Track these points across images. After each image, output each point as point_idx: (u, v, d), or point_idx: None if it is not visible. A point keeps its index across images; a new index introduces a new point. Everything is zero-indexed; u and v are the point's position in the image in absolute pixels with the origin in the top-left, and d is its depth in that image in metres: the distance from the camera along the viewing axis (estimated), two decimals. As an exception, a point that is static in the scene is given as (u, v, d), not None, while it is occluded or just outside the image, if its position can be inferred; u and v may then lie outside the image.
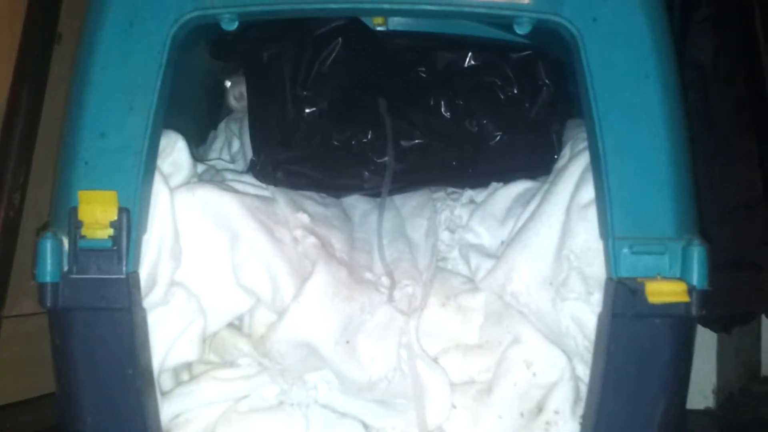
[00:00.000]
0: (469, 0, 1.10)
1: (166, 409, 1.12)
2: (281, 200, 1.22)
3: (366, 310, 1.14)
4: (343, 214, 1.29)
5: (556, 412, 1.13)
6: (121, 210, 1.05)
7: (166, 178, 1.12)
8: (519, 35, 1.13)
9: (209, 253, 1.15)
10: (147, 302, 1.09)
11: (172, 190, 1.12)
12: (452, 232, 1.27)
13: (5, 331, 1.38)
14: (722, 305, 1.46)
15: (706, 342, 1.72)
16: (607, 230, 1.06)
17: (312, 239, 1.18)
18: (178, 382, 1.17)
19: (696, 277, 1.04)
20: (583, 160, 1.17)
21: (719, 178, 1.56)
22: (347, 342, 1.11)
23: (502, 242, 1.23)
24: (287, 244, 1.17)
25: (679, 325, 1.07)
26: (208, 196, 1.15)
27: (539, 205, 1.19)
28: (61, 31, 1.46)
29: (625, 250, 1.05)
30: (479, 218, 1.26)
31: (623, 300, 1.05)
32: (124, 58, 1.08)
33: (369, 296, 1.15)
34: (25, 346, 1.52)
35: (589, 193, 1.13)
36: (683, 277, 1.04)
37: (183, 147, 1.16)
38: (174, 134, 1.16)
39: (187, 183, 1.17)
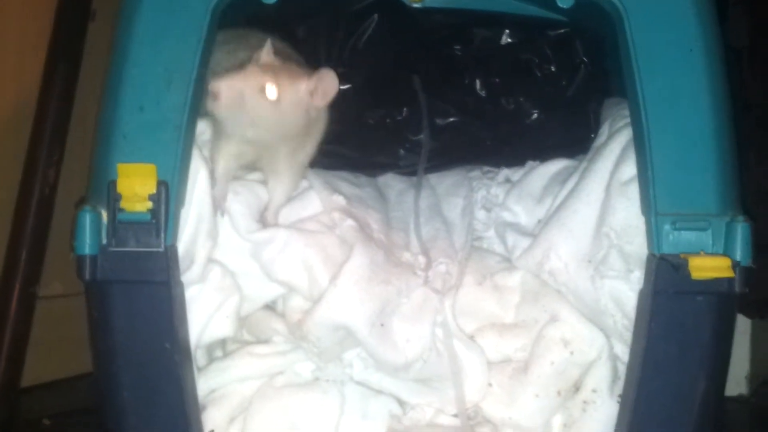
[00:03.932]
0: (511, -27, 1.09)
1: (202, 385, 1.12)
2: (317, 183, 1.21)
3: (402, 294, 1.13)
4: (378, 194, 1.29)
5: (594, 391, 1.12)
6: (160, 183, 1.04)
7: (206, 159, 1.12)
8: (559, 10, 1.12)
9: (243, 245, 1.15)
10: (184, 278, 1.08)
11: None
12: (488, 210, 1.26)
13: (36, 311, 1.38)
14: (757, 290, 1.45)
15: (739, 328, 1.70)
16: (649, 206, 1.05)
17: (350, 221, 1.17)
18: (213, 359, 1.17)
19: (740, 253, 1.03)
20: (623, 137, 1.16)
21: (754, 161, 1.55)
22: (382, 325, 1.11)
23: (539, 221, 1.22)
24: (320, 230, 1.16)
25: (721, 303, 1.05)
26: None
27: (578, 183, 1.18)
28: (95, 8, 1.45)
29: (668, 227, 1.04)
30: (516, 197, 1.25)
31: (665, 276, 1.04)
32: (163, 32, 1.07)
33: (406, 279, 1.14)
34: (55, 327, 1.53)
35: (629, 170, 1.12)
36: (727, 254, 1.03)
37: None
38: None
39: None
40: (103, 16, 1.47)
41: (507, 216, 1.24)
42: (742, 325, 1.70)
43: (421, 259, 1.18)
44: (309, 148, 1.19)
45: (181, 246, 1.08)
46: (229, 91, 1.04)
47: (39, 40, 1.40)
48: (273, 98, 1.07)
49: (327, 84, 1.10)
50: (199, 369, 1.14)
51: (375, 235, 1.19)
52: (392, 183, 1.32)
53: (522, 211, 1.24)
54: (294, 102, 1.09)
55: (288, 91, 1.08)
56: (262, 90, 1.06)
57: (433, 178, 1.31)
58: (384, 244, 1.18)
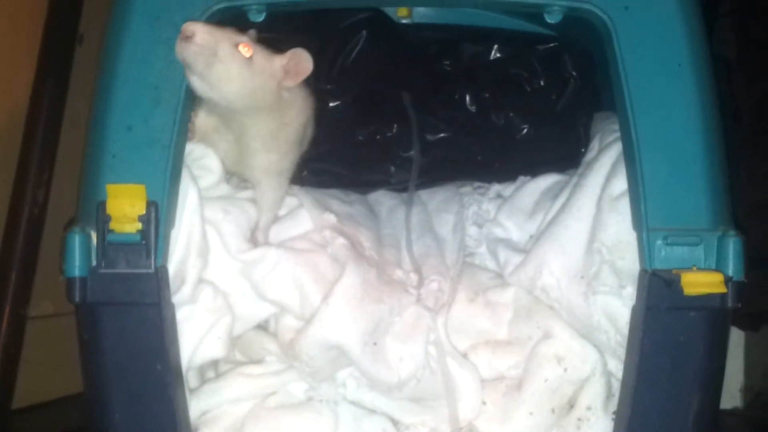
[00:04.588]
0: (499, -11, 1.09)
1: (194, 406, 1.11)
2: (307, 201, 1.20)
3: (394, 312, 1.13)
4: (369, 212, 1.28)
5: (588, 408, 1.12)
6: (150, 204, 1.04)
7: (195, 179, 1.11)
8: (548, 25, 1.12)
9: (234, 265, 1.14)
10: (175, 299, 1.08)
11: (200, 191, 1.11)
12: (480, 226, 1.26)
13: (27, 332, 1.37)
14: (750, 302, 1.44)
15: (733, 341, 1.69)
16: (641, 222, 1.05)
17: (341, 240, 1.16)
18: (205, 380, 1.16)
19: (732, 268, 1.03)
20: (614, 152, 1.16)
21: (745, 174, 1.54)
22: (375, 344, 1.10)
23: (531, 236, 1.21)
24: (311, 249, 1.15)
25: (714, 318, 1.05)
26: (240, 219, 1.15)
27: (569, 198, 1.18)
28: (82, 32, 1.45)
29: (660, 242, 1.04)
30: (507, 212, 1.25)
31: (658, 292, 1.03)
32: (151, 51, 1.06)
33: (398, 297, 1.14)
34: (46, 347, 1.52)
35: (620, 185, 1.12)
36: (719, 269, 1.03)
37: (213, 153, 1.15)
38: None
39: (216, 186, 1.16)
40: (90, 40, 1.47)
41: (498, 232, 1.24)
42: (736, 337, 1.70)
43: (413, 277, 1.18)
44: (285, 147, 1.17)
45: (172, 266, 1.07)
46: (204, 34, 1.02)
47: (27, 62, 1.40)
48: (246, 56, 1.06)
49: (301, 63, 1.10)
50: (191, 390, 1.13)
51: (366, 253, 1.18)
52: (383, 200, 1.31)
53: (513, 227, 1.24)
54: (266, 69, 1.08)
55: (261, 57, 1.08)
56: (236, 46, 1.05)
57: (424, 195, 1.31)
58: (376, 261, 1.18)
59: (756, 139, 1.54)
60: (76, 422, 1.32)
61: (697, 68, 1.06)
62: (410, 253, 1.21)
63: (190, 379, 1.14)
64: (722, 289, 1.00)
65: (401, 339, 1.12)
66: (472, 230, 1.26)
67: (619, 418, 1.08)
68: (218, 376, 1.15)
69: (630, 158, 1.06)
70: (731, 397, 1.72)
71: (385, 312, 1.12)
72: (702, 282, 1.00)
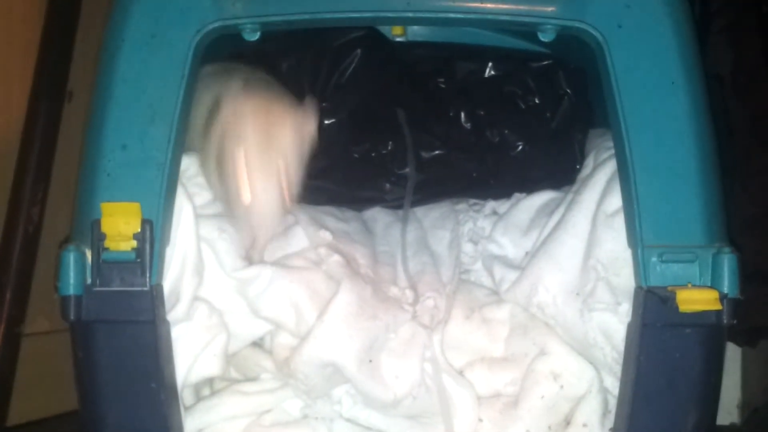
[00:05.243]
0: (492, 8, 1.09)
1: (189, 424, 1.11)
2: (303, 219, 1.21)
3: (390, 329, 1.13)
4: (364, 229, 1.28)
5: (585, 425, 1.12)
6: (145, 222, 1.04)
7: (190, 196, 1.11)
8: (541, 43, 1.12)
9: (229, 283, 1.14)
10: (170, 317, 1.08)
11: (195, 209, 1.11)
12: (475, 243, 1.26)
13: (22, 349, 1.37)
14: (746, 318, 1.44)
15: (730, 356, 1.69)
16: (635, 239, 1.05)
17: (336, 257, 1.17)
18: (200, 398, 1.16)
19: (727, 285, 1.03)
20: (608, 169, 1.16)
21: (739, 189, 1.55)
22: (370, 361, 1.10)
23: (527, 253, 1.21)
24: (306, 266, 1.15)
25: (710, 335, 1.05)
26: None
27: (564, 215, 1.18)
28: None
29: (655, 259, 1.04)
30: (502, 229, 1.25)
31: (653, 309, 1.03)
32: (146, 69, 1.07)
33: (393, 314, 1.13)
34: (41, 364, 1.52)
35: (615, 201, 1.12)
36: (714, 286, 1.03)
37: None
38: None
39: (211, 203, 1.16)
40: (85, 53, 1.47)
41: (494, 248, 1.24)
42: (733, 353, 1.70)
43: (409, 294, 1.18)
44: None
45: (167, 284, 1.07)
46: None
47: (22, 77, 1.40)
48: None
49: None
50: (186, 408, 1.12)
51: (362, 270, 1.18)
52: (378, 216, 1.31)
53: (509, 244, 1.24)
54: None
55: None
56: None
57: (420, 212, 1.31)
58: (371, 278, 1.18)
59: (750, 153, 1.55)
60: (73, 437, 1.32)
61: (690, 85, 1.07)
62: (406, 270, 1.21)
63: (186, 396, 1.14)
64: (717, 306, 1.00)
65: (397, 356, 1.12)
66: (467, 247, 1.26)
67: (616, 435, 1.08)
68: (213, 393, 1.15)
69: (624, 175, 1.06)
70: (728, 413, 1.71)
71: (381, 329, 1.12)
72: (697, 299, 1.00)
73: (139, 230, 1.03)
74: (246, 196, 1.10)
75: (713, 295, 1.00)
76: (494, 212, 1.29)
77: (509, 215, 1.26)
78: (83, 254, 1.04)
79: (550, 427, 1.12)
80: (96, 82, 1.08)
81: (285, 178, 1.12)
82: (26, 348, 1.41)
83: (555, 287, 1.14)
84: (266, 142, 1.11)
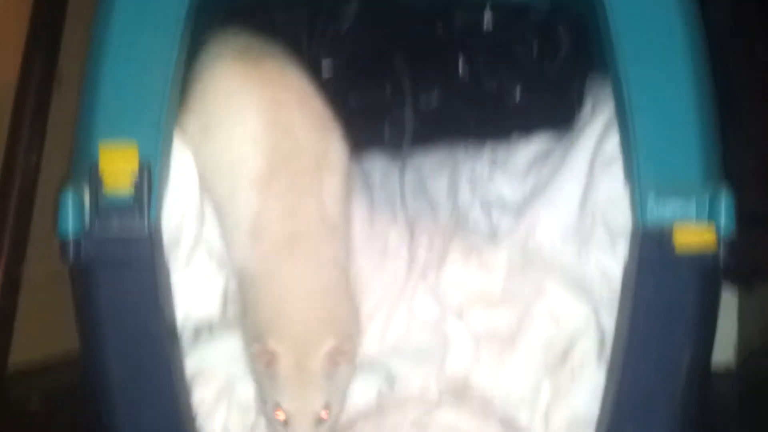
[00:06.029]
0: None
1: (189, 365, 1.11)
2: None
3: (390, 281, 1.16)
4: (362, 178, 1.29)
5: (581, 362, 1.13)
6: (143, 165, 1.03)
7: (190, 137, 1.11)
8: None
9: None
10: (169, 260, 1.08)
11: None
12: (473, 188, 1.26)
13: (25, 292, 1.37)
14: (744, 260, 1.45)
15: (726, 300, 1.70)
16: (633, 178, 1.05)
17: None
18: (199, 340, 1.16)
19: (723, 223, 1.03)
20: (606, 114, 1.16)
21: (742, 137, 1.55)
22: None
23: (524, 197, 1.22)
24: None
25: (706, 275, 1.06)
26: None
27: (562, 159, 1.19)
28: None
29: (652, 199, 1.04)
30: (500, 174, 1.25)
31: (650, 249, 1.04)
32: (145, 9, 1.06)
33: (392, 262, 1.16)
34: (42, 308, 1.53)
35: (612, 145, 1.12)
36: (710, 225, 1.03)
37: None
38: None
39: None
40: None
41: (492, 193, 1.25)
42: (730, 297, 1.71)
43: (408, 238, 1.19)
44: None
45: (168, 229, 1.07)
46: None
47: (17, 22, 1.39)
48: None
49: None
50: (186, 349, 1.13)
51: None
52: (377, 166, 1.32)
53: (507, 188, 1.24)
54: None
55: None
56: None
57: (418, 158, 1.32)
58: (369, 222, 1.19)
59: (749, 106, 1.54)
60: (74, 381, 1.33)
61: (687, 28, 1.07)
62: (404, 215, 1.21)
63: (185, 339, 1.15)
64: (713, 245, 1.01)
65: (397, 297, 1.13)
66: (465, 192, 1.26)
67: (610, 371, 1.08)
68: (212, 335, 1.15)
69: (622, 117, 1.06)
70: (725, 357, 1.72)
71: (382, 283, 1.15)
72: (693, 238, 1.01)
73: (137, 172, 1.03)
74: None
75: (709, 234, 1.01)
76: (492, 157, 1.29)
77: (507, 160, 1.27)
78: (82, 197, 1.04)
79: (547, 364, 1.13)
80: (94, 23, 1.07)
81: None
82: (27, 293, 1.42)
83: (552, 229, 1.15)
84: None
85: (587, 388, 1.12)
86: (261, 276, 1.06)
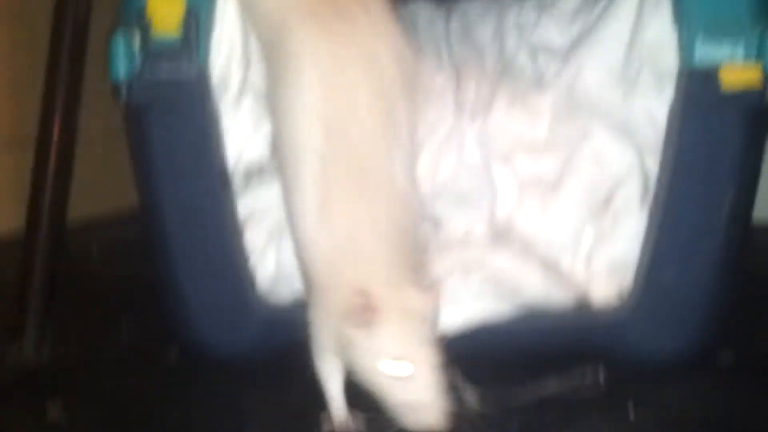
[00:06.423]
0: None
1: (241, 208, 1.15)
2: None
3: (437, 124, 1.16)
4: (407, 22, 1.28)
5: (625, 205, 1.14)
6: (190, 6, 1.05)
7: None
8: None
9: None
10: (219, 103, 1.10)
11: None
12: (520, 33, 1.25)
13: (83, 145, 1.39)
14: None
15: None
16: (681, 20, 1.04)
17: None
18: (250, 184, 1.19)
19: (773, 62, 1.02)
20: (657, -47, 1.14)
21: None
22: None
23: (572, 41, 1.21)
24: None
25: (752, 116, 1.05)
26: None
27: (610, 2, 1.17)
28: None
29: (699, 39, 1.03)
30: (548, 18, 1.24)
31: (696, 90, 1.04)
32: None
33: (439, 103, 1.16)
34: (99, 162, 1.57)
35: (662, -15, 1.10)
36: (758, 64, 1.02)
37: None
38: None
39: None
40: None
41: (538, 37, 1.23)
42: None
43: (453, 83, 1.19)
44: None
45: (215, 71, 1.09)
46: None
47: None
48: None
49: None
50: (238, 192, 1.16)
51: None
52: (421, 12, 1.31)
53: (554, 32, 1.23)
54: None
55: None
56: None
57: (464, 3, 1.30)
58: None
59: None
60: (132, 236, 1.38)
61: None
62: (450, 60, 1.21)
63: (237, 182, 1.18)
64: (760, 83, 1.00)
65: (445, 141, 1.15)
66: (511, 36, 1.25)
67: (653, 214, 1.10)
68: (261, 179, 1.18)
69: (673, -45, 1.04)
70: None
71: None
72: (740, 77, 1.00)
73: (184, 14, 1.04)
74: None
75: (756, 72, 1.00)
76: (539, 1, 1.28)
77: (555, 4, 1.25)
78: (132, 39, 1.06)
79: (590, 207, 1.14)
80: None
81: None
82: (83, 147, 1.44)
83: (599, 72, 1.14)
84: None
85: (629, 232, 1.13)
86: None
